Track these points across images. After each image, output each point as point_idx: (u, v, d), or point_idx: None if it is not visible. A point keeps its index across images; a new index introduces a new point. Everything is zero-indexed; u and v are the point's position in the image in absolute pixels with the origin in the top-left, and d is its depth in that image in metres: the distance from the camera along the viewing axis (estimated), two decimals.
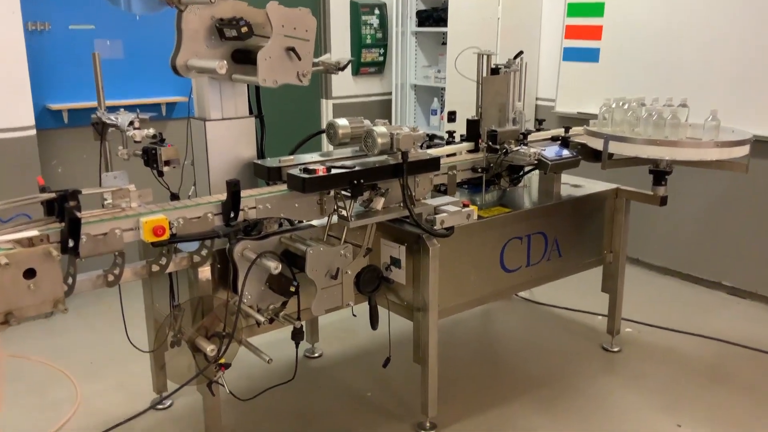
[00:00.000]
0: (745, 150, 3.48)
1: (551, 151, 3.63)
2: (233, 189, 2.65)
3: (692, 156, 3.42)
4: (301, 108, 6.19)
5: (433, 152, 3.39)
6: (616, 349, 4.22)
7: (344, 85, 6.23)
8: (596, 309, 4.62)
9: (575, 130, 3.99)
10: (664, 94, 3.83)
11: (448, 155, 3.60)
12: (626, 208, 4.02)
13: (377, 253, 3.37)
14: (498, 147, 3.46)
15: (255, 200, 2.78)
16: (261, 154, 3.34)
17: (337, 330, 4.38)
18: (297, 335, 3.00)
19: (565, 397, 3.71)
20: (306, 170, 2.79)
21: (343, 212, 2.91)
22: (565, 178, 4.13)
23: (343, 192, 2.90)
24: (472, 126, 3.61)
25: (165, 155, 2.73)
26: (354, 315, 3.22)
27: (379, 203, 3.01)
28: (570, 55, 5.79)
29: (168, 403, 3.65)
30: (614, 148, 3.58)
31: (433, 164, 3.11)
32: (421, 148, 3.49)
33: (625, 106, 3.77)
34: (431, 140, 3.68)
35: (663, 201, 3.75)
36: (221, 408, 3.05)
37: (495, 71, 3.67)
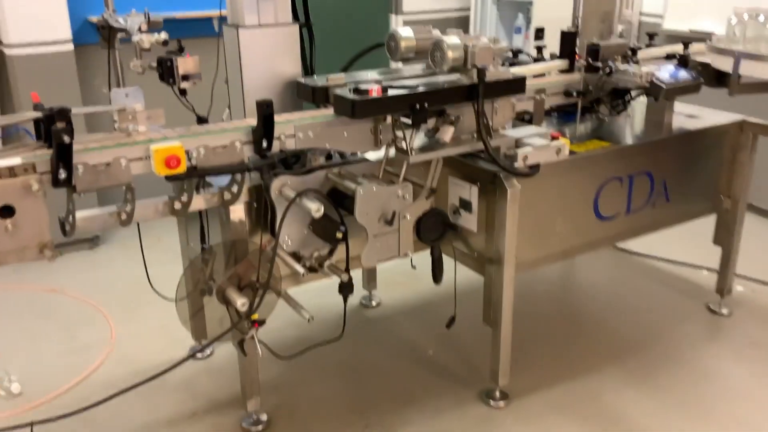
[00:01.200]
0: None
1: (665, 72, 2.93)
2: (265, 112, 2.13)
3: None
4: (368, 23, 5.57)
5: (518, 71, 2.76)
6: (725, 312, 3.58)
7: None
8: (701, 261, 3.95)
9: (696, 47, 3.26)
10: None
11: (535, 76, 2.96)
12: (753, 146, 3.29)
13: (443, 194, 2.82)
14: (600, 65, 2.80)
15: (294, 127, 2.26)
16: (309, 72, 2.81)
17: (399, 276, 3.87)
18: (345, 288, 2.51)
19: (661, 367, 3.13)
20: (357, 90, 2.24)
21: (403, 144, 2.36)
22: (678, 106, 3.42)
23: (403, 119, 2.35)
24: (568, 40, 2.94)
25: (182, 67, 2.22)
26: (413, 267, 2.70)
27: (448, 133, 2.44)
28: None
29: (208, 351, 3.28)
30: (746, 69, 2.86)
31: (516, 85, 2.51)
32: (503, 66, 2.88)
33: (760, 18, 3.00)
34: (515, 57, 3.04)
35: None
36: (262, 362, 2.64)
37: None
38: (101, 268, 4.19)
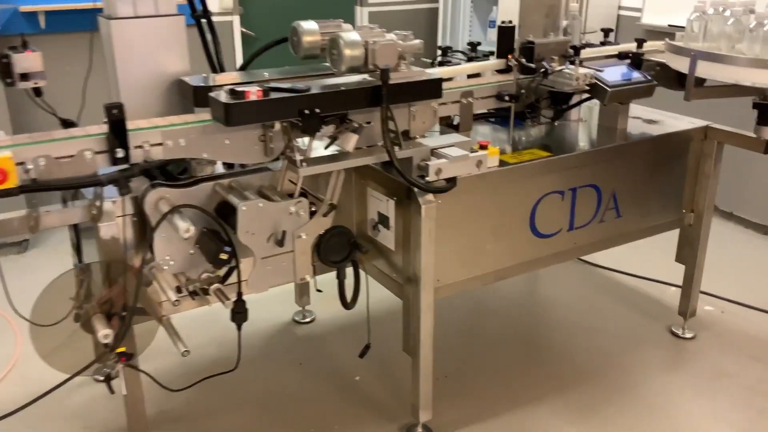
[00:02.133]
0: None
1: (614, 74, 2.62)
2: (114, 117, 1.84)
3: None
4: (332, 16, 5.24)
5: (443, 71, 2.46)
6: (689, 335, 3.26)
7: None
8: (671, 276, 3.62)
9: (652, 44, 2.93)
10: None
11: (470, 76, 2.66)
12: (717, 154, 2.97)
13: (364, 207, 2.53)
14: (533, 66, 2.48)
15: (162, 133, 1.96)
16: (218, 69, 2.53)
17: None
18: (238, 316, 2.23)
19: (612, 400, 2.83)
20: (233, 92, 1.94)
21: (295, 154, 2.06)
22: (638, 110, 3.11)
23: (296, 124, 2.06)
24: (505, 36, 2.63)
25: (20, 65, 1.92)
26: (318, 290, 2.40)
27: (350, 142, 2.14)
28: None
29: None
30: (705, 70, 2.55)
31: (429, 89, 2.20)
32: (436, 65, 2.58)
33: (726, 13, 2.68)
34: (473, 51, 2.72)
35: None
36: (161, 390, 2.37)
37: None
38: (26, 274, 3.91)
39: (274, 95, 1.97)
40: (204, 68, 2.47)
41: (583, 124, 3.02)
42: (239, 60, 4.84)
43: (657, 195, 2.95)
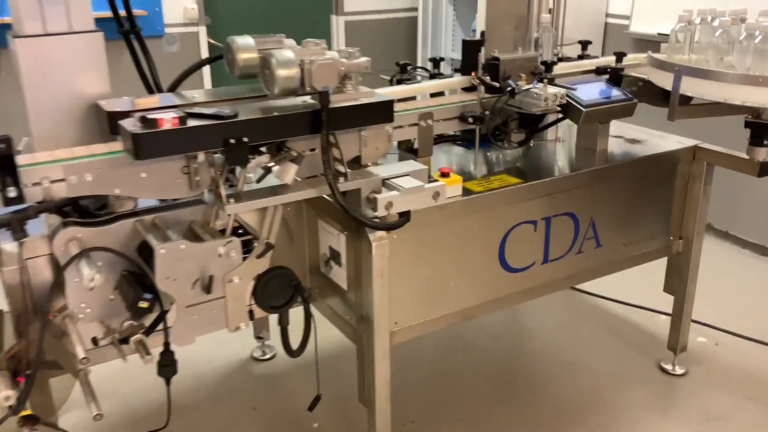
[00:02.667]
0: None
1: (590, 91, 2.38)
2: (2, 152, 1.59)
3: None
4: (306, 26, 5.03)
5: (396, 91, 2.21)
6: (679, 372, 3.00)
7: None
8: (659, 304, 3.37)
9: (634, 58, 2.69)
10: None
11: (433, 95, 2.41)
12: (707, 177, 2.72)
13: (316, 241, 2.29)
14: (498, 84, 2.24)
15: (64, 168, 1.71)
16: (156, 90, 2.28)
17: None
18: (164, 370, 1.97)
19: None
20: (144, 120, 1.69)
21: (221, 189, 1.81)
22: (620, 128, 2.87)
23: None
24: (470, 51, 2.38)
25: None
26: (259, 338, 2.15)
27: (289, 173, 1.89)
28: None
29: None
30: (690, 87, 2.30)
31: (378, 112, 1.95)
32: (395, 83, 2.35)
33: (714, 23, 2.43)
34: (404, 71, 2.47)
35: (763, 169, 2.45)
36: None
37: None
38: None
39: (193, 122, 1.72)
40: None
41: (561, 145, 2.77)
42: (206, 75, 4.61)
43: (641, 221, 2.70)
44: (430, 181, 2.05)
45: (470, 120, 2.24)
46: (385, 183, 1.99)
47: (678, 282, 2.89)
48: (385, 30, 5.06)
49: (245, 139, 1.75)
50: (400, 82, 2.40)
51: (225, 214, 1.85)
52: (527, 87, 2.18)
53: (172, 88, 2.15)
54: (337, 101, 1.89)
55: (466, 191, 2.23)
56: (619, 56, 2.55)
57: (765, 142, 2.42)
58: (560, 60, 2.71)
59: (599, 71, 2.52)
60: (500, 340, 3.32)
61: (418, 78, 2.51)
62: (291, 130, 1.85)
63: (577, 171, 2.46)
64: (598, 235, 2.57)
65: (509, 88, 2.20)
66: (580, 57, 2.73)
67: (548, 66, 2.33)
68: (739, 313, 3.47)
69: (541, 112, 2.20)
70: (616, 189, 2.57)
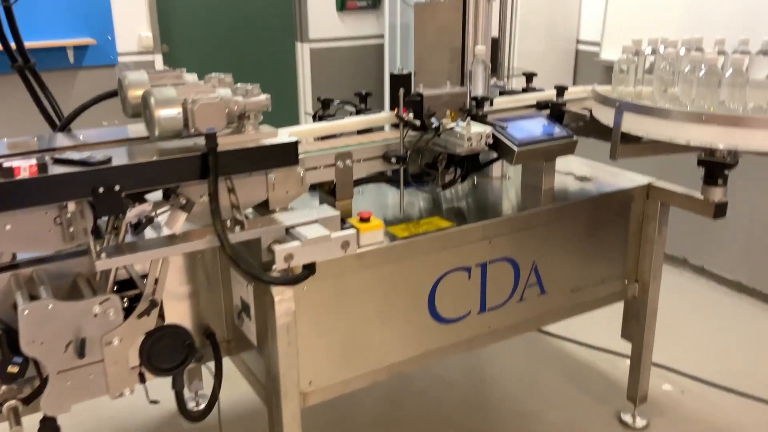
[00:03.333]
0: None
1: (526, 129, 2.21)
2: None
3: (760, 142, 1.92)
4: (271, 55, 4.88)
5: (305, 129, 2.05)
6: (640, 425, 2.79)
7: (326, 23, 4.86)
8: (626, 347, 3.16)
9: (582, 90, 2.52)
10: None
11: (360, 131, 2.24)
12: (662, 217, 2.54)
13: (230, 291, 2.11)
14: (419, 123, 2.06)
15: None
16: (59, 127, 2.12)
17: None
18: None
19: None
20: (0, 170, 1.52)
21: (91, 242, 1.63)
22: (571, 164, 2.69)
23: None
24: (397, 86, 2.21)
25: None
26: (152, 402, 1.95)
27: (177, 222, 1.72)
28: None
29: None
30: (633, 125, 2.13)
31: (279, 155, 1.78)
32: (319, 119, 2.19)
33: (665, 50, 2.27)
34: (326, 107, 2.29)
35: (719, 210, 2.26)
36: None
37: None
38: None
39: (57, 170, 1.55)
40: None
41: (508, 182, 2.60)
42: None
43: (592, 265, 2.51)
44: (343, 228, 1.88)
45: (393, 160, 2.06)
46: (288, 231, 1.81)
47: (635, 328, 2.70)
48: (352, 57, 4.91)
49: (117, 187, 1.57)
50: (321, 118, 2.23)
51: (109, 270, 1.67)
52: (451, 126, 2.00)
53: (63, 128, 1.98)
54: (231, 143, 1.73)
55: (391, 237, 2.05)
56: (560, 90, 2.38)
57: (719, 182, 2.24)
58: (503, 93, 2.55)
59: (540, 106, 2.35)
60: (454, 387, 3.11)
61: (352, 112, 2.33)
62: (174, 176, 1.67)
63: (516, 213, 2.28)
64: (541, 281, 2.38)
65: (434, 126, 2.02)
66: (525, 90, 2.56)
67: (480, 102, 2.15)
68: (710, 356, 3.27)
69: (465, 153, 2.02)
70: (562, 231, 2.39)
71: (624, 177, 2.59)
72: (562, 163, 2.67)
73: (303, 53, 4.89)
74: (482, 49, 2.27)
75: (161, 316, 1.90)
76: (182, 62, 4.74)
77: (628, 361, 3.09)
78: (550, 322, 2.50)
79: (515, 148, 2.11)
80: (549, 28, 4.57)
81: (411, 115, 2.06)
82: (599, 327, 3.33)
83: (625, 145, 2.18)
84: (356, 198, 2.14)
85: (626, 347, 3.06)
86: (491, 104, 2.37)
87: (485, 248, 2.22)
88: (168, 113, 1.63)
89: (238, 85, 1.80)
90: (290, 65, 4.94)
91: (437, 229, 2.13)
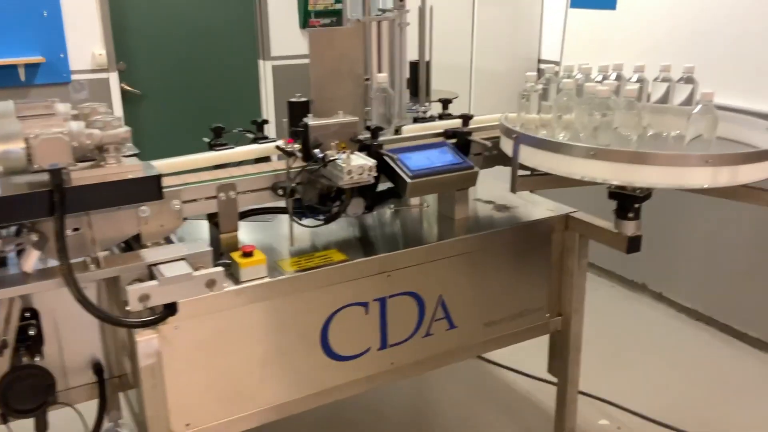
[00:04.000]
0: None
1: (424, 159, 2.13)
2: None
3: (653, 179, 1.83)
4: (233, 72, 4.83)
5: (186, 161, 1.98)
6: None
7: (288, 41, 4.80)
8: None
9: (485, 119, 2.44)
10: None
11: (258, 160, 2.17)
12: (582, 249, 2.45)
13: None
14: (301, 154, 1.99)
15: None
16: None
17: None
18: None
19: None
20: None
21: None
22: (494, 192, 2.60)
23: None
24: (294, 114, 2.14)
25: None
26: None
27: (29, 260, 1.65)
28: None
29: None
30: (530, 157, 2.04)
31: (138, 189, 1.72)
32: (211, 147, 2.13)
33: (575, 76, 2.20)
34: (218, 135, 2.21)
35: (632, 244, 2.17)
36: None
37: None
38: None
39: None
40: None
41: (426, 211, 2.52)
42: None
43: (509, 298, 2.42)
44: (219, 263, 1.82)
45: (279, 192, 1.99)
46: (151, 269, 1.74)
47: (560, 363, 2.60)
48: None
49: None
50: (213, 147, 2.16)
51: None
52: (334, 157, 1.93)
53: None
54: (88, 178, 1.66)
55: (278, 272, 1.97)
56: (465, 119, 2.29)
57: (630, 215, 2.15)
58: (417, 120, 2.47)
59: (448, 135, 2.27)
60: (383, 420, 3.02)
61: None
62: (21, 213, 1.61)
63: (418, 246, 2.19)
64: (450, 315, 2.30)
65: (321, 159, 1.95)
66: (441, 116, 2.49)
67: (374, 132, 2.08)
68: (657, 389, 3.16)
69: (348, 185, 1.94)
70: (474, 263, 2.30)
71: (545, 206, 2.50)
72: (485, 191, 2.59)
73: (265, 70, 4.84)
74: (383, 77, 2.19)
75: (37, 353, 1.84)
76: (140, 80, 4.72)
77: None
78: (463, 358, 2.41)
79: (408, 180, 2.03)
80: (509, 47, 4.50)
81: (297, 145, 1.99)
82: (544, 355, 3.24)
83: (526, 178, 2.10)
84: (261, 229, 2.07)
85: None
86: (397, 132, 2.29)
87: (383, 282, 2.14)
88: (9, 149, 1.57)
89: (98, 117, 1.74)
90: (253, 82, 4.89)
91: (329, 263, 2.05)
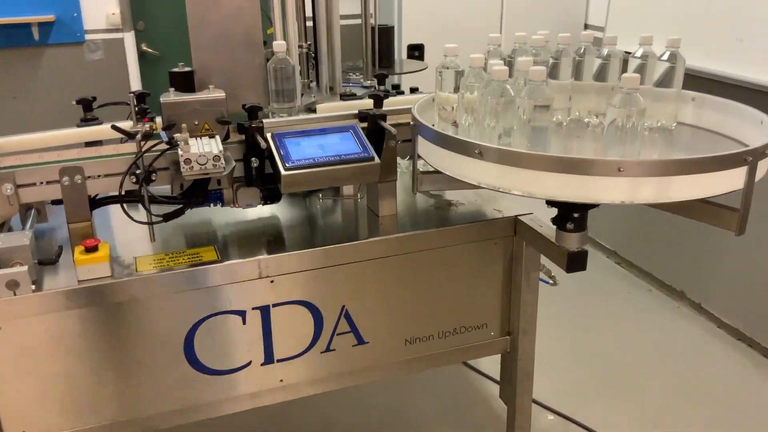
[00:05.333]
0: (736, 179, 1.37)
1: (317, 147, 1.77)
2: None
3: (552, 190, 1.40)
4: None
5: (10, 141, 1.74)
6: None
7: None
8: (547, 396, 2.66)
9: (408, 99, 2.03)
10: None
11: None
12: (529, 260, 2.02)
13: None
14: (134, 132, 1.69)
15: None
16: None
17: None
18: None
19: None
20: None
21: None
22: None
23: None
24: (179, 86, 1.84)
25: None
26: None
27: None
28: None
29: None
30: (425, 151, 1.64)
31: None
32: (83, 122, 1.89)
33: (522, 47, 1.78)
34: (87, 109, 1.94)
35: (574, 262, 1.74)
36: None
37: None
38: None
39: None
40: None
41: (360, 203, 2.16)
42: (134, 85, 4.28)
43: (440, 312, 2.04)
44: (44, 261, 1.58)
45: (133, 179, 1.71)
46: None
47: (509, 390, 2.20)
48: None
49: None
50: (85, 121, 1.90)
51: None
52: (182, 142, 1.62)
53: None
54: None
55: (128, 271, 1.71)
56: (377, 99, 1.89)
57: (569, 226, 1.71)
58: (344, 97, 2.11)
59: (362, 117, 1.89)
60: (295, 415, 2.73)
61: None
62: None
63: (312, 249, 1.85)
64: (358, 329, 1.96)
65: (165, 141, 1.65)
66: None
67: (250, 111, 1.74)
68: (677, 419, 2.67)
69: (193, 176, 1.63)
70: (390, 271, 1.94)
71: (503, 204, 2.09)
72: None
73: None
74: (278, 45, 1.84)
75: None
76: (160, 41, 4.56)
77: (550, 416, 2.62)
78: (378, 378, 2.07)
79: (281, 171, 1.69)
80: (549, 9, 3.96)
81: (151, 126, 1.69)
82: None
83: (430, 175, 1.71)
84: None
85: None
86: (311, 112, 1.95)
87: (266, 289, 1.83)
88: None
89: None
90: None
91: (197, 262, 1.76)
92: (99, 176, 1.74)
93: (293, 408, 2.70)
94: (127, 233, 1.92)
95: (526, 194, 1.44)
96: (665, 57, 1.84)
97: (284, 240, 1.93)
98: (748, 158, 1.34)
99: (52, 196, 1.73)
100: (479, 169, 1.44)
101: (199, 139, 1.67)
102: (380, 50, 2.47)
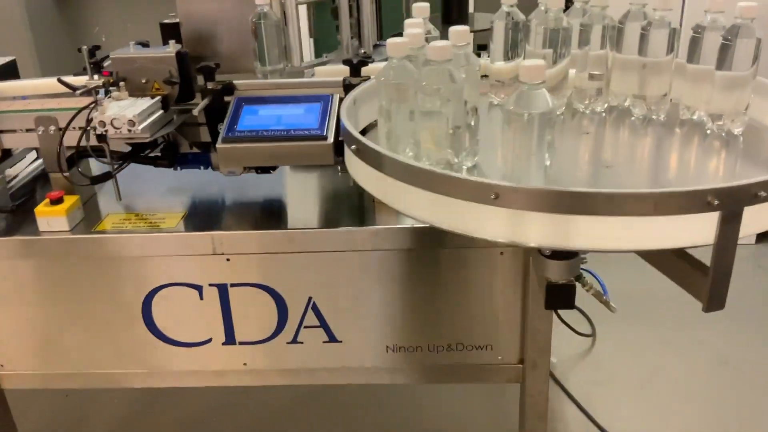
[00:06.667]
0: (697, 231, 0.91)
1: (276, 118, 1.56)
2: None
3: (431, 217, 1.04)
4: None
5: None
6: None
7: None
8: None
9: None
10: None
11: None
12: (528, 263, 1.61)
13: None
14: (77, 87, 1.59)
15: None
16: None
17: None
18: None
19: None
20: None
21: None
22: None
23: None
24: (168, 38, 1.73)
25: None
26: None
27: None
28: None
29: None
30: (349, 141, 1.34)
31: None
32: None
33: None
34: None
35: (553, 297, 1.36)
36: None
37: None
38: None
39: None
40: None
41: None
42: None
43: (431, 321, 1.75)
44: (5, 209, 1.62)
45: (97, 133, 1.65)
46: None
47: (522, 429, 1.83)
48: None
49: None
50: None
51: None
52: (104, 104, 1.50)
53: None
54: None
55: (87, 228, 1.69)
56: (353, 67, 1.57)
57: (546, 252, 1.32)
58: (347, 63, 1.82)
59: (346, 86, 1.61)
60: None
61: None
62: None
63: (280, 229, 1.66)
64: (328, 325, 1.74)
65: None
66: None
67: (208, 71, 1.56)
68: None
69: (114, 139, 1.50)
70: (369, 266, 1.68)
71: None
72: None
73: None
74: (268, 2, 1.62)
75: None
76: None
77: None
78: (355, 381, 1.82)
79: (218, 143, 1.51)
80: None
81: (106, 80, 1.60)
82: None
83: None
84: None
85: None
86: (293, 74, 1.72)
87: (223, 267, 1.69)
88: None
89: None
90: None
91: (153, 229, 1.68)
92: (74, 128, 1.71)
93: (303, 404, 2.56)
94: (140, 192, 1.87)
95: (459, 231, 1.07)
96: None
97: (251, 217, 1.75)
98: (713, 201, 0.86)
99: (31, 144, 1.75)
100: (404, 196, 1.12)
101: (140, 99, 1.55)
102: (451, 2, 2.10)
